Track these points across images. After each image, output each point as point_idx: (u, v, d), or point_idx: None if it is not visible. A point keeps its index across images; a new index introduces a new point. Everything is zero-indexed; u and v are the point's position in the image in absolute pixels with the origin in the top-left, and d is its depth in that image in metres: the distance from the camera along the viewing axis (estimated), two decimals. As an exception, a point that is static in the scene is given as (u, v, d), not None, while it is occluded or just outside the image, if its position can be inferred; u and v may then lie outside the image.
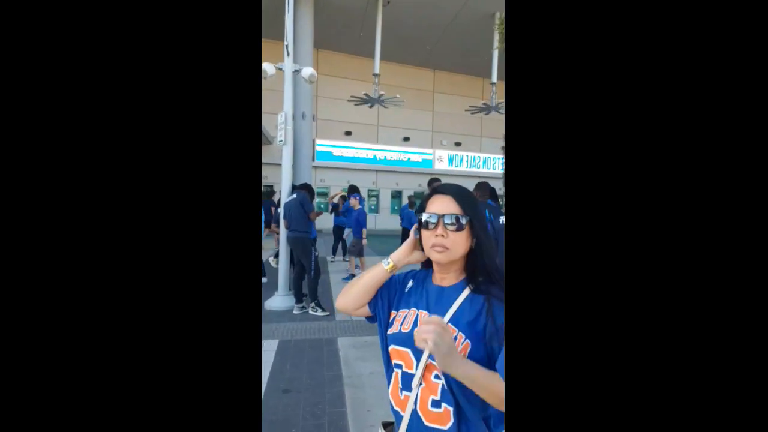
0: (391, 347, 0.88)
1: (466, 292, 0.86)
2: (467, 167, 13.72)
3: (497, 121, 11.53)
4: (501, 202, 4.67)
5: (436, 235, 0.83)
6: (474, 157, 13.82)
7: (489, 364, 0.80)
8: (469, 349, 0.82)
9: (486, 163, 13.77)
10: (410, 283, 0.96)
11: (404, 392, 0.85)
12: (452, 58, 12.06)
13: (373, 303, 0.99)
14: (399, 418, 0.87)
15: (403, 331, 0.87)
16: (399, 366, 0.87)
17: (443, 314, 0.84)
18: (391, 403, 0.89)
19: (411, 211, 6.85)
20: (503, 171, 4.80)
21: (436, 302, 0.88)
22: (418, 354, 0.83)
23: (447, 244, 0.83)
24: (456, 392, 0.80)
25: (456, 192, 0.87)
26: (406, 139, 13.54)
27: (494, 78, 9.33)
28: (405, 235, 7.81)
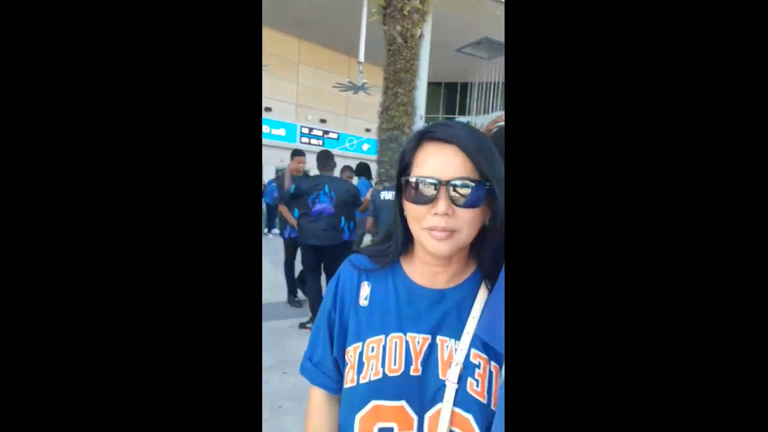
0: (373, 404, 0.53)
1: (483, 294, 0.55)
2: (334, 148, 13.59)
3: (362, 103, 11.67)
4: (373, 180, 4.65)
5: (436, 213, 0.50)
6: (339, 134, 13.76)
7: None
8: None
9: (352, 144, 13.88)
10: (366, 290, 0.59)
11: None
12: (319, 29, 11.60)
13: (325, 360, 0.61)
14: None
15: (390, 374, 0.53)
16: (388, 430, 0.53)
17: (458, 334, 0.54)
18: None
19: (274, 186, 6.36)
20: (377, 157, 4.77)
21: (439, 315, 0.55)
22: (421, 403, 0.52)
23: (455, 226, 0.51)
24: None
25: (467, 139, 0.51)
26: (268, 109, 12.57)
27: (361, 57, 9.30)
28: (270, 212, 7.24)
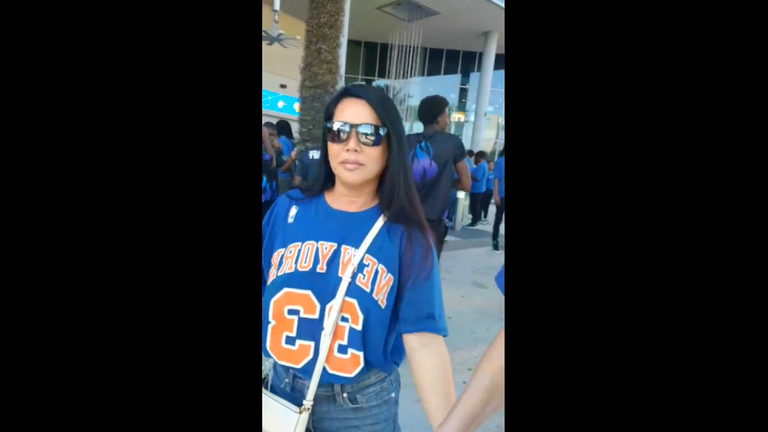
0: (284, 291, 0.71)
1: (382, 219, 0.74)
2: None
3: (276, 56, 10.87)
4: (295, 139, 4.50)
5: (348, 150, 0.68)
6: (250, 90, 12.72)
7: (397, 301, 0.72)
8: (391, 284, 0.71)
9: (265, 100, 12.98)
10: (294, 211, 0.77)
11: (300, 341, 0.70)
12: (226, -34, 10.31)
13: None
14: (287, 370, 0.75)
15: (300, 269, 0.71)
16: (295, 312, 0.70)
17: (357, 244, 0.71)
18: (271, 357, 0.73)
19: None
20: (299, 116, 4.59)
21: (345, 230, 0.73)
22: (323, 294, 0.70)
23: (362, 160, 0.69)
24: (367, 336, 0.70)
25: (373, 96, 0.70)
26: (165, 55, 11.02)
27: (277, 5, 8.57)
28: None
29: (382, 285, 0.69)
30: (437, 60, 12.90)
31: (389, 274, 0.70)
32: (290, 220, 0.76)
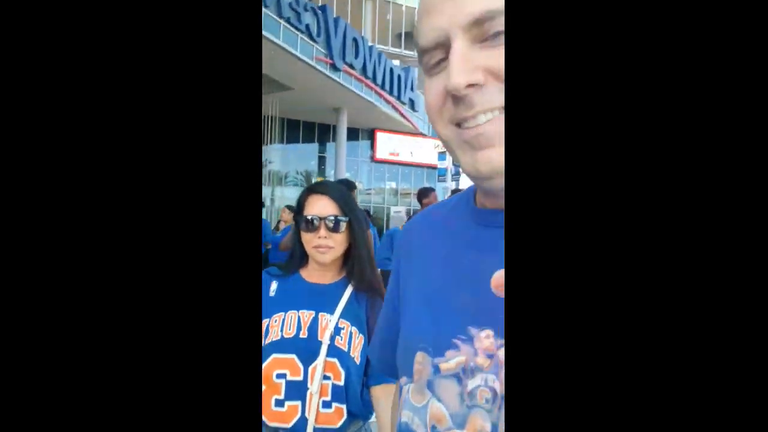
0: (272, 357, 0.83)
1: (350, 289, 0.91)
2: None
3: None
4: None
5: (319, 237, 0.87)
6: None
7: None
8: (362, 343, 0.86)
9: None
10: (274, 285, 0.92)
11: (288, 402, 0.81)
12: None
13: None
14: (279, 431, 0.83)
15: (286, 336, 0.84)
16: (282, 376, 0.82)
17: (332, 311, 0.87)
18: (263, 422, 0.82)
19: None
20: None
21: (321, 299, 0.89)
22: (306, 357, 0.82)
23: (330, 244, 0.88)
24: (349, 390, 0.82)
25: (334, 192, 0.91)
26: None
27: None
28: None
29: (356, 344, 0.84)
30: (295, 129, 13.72)
31: (360, 335, 0.86)
32: (272, 293, 0.90)
